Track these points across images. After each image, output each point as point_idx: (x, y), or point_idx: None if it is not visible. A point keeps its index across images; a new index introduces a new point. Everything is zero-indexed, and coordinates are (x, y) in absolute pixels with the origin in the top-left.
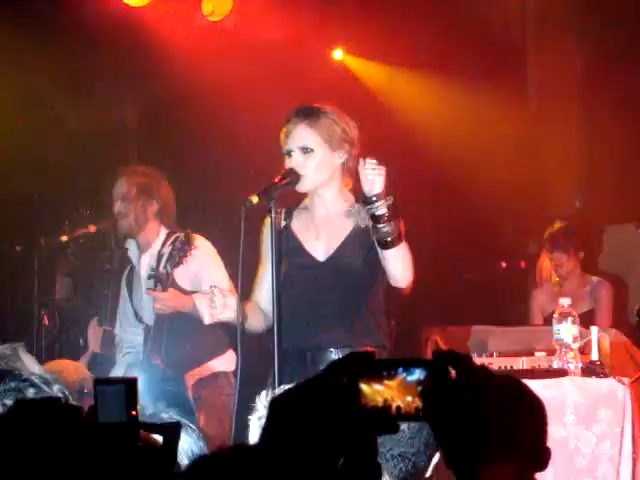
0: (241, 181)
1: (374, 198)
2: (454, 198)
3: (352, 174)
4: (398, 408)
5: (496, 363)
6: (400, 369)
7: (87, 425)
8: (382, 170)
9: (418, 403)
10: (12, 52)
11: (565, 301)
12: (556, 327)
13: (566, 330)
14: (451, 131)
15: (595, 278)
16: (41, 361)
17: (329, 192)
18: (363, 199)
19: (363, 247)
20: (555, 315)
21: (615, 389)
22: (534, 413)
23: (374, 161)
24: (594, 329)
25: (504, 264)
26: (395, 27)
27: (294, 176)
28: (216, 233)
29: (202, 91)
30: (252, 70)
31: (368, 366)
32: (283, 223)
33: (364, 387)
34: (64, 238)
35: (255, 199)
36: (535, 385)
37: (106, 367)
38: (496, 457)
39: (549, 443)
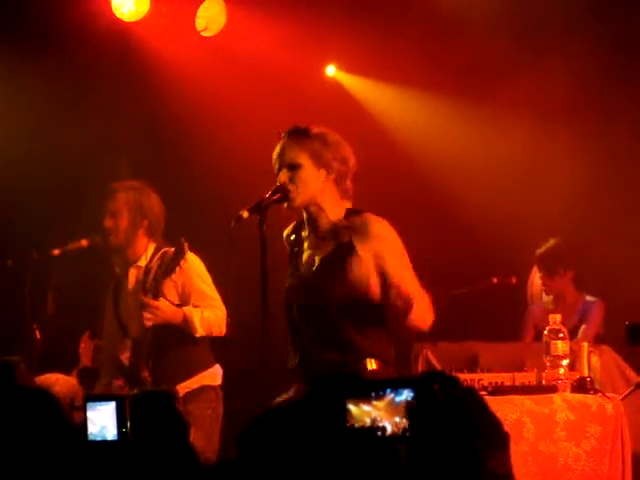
0: (234, 196)
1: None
2: (445, 214)
3: (347, 194)
4: (385, 428)
5: (486, 379)
6: (388, 390)
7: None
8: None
9: (405, 423)
10: (5, 67)
11: (556, 317)
12: (546, 343)
13: (556, 346)
14: (442, 148)
15: (590, 298)
16: (33, 375)
17: (317, 210)
18: None
19: (343, 262)
20: (545, 331)
21: (605, 405)
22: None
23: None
24: (584, 345)
25: (495, 280)
26: (388, 44)
27: (284, 192)
28: (207, 247)
29: (195, 106)
30: (245, 86)
31: (356, 387)
32: (293, 237)
33: (352, 407)
34: (56, 252)
35: (245, 214)
36: (525, 401)
37: (97, 381)
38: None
39: (539, 459)
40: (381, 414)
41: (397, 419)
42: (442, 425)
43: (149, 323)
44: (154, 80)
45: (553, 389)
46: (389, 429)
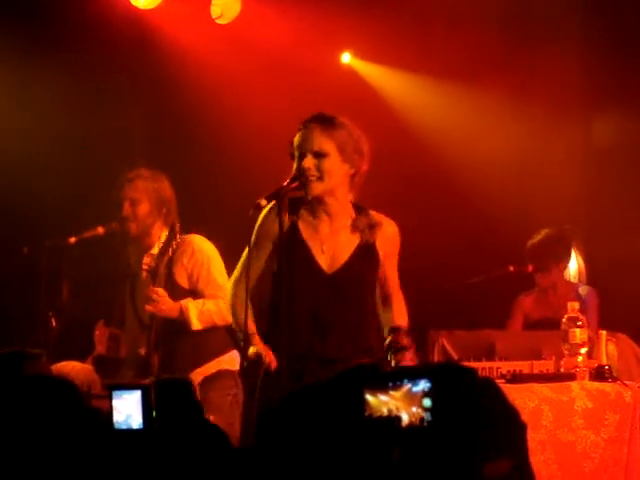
0: (249, 183)
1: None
2: (462, 202)
3: (357, 189)
4: (401, 419)
5: (504, 367)
6: (405, 380)
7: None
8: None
9: (422, 413)
10: (21, 57)
11: (574, 305)
12: (565, 331)
13: (574, 334)
14: (458, 135)
15: (582, 287)
16: (48, 363)
17: (334, 202)
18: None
19: (369, 263)
20: (564, 319)
21: (623, 393)
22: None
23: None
24: (602, 333)
25: (511, 268)
26: (403, 30)
27: (303, 180)
28: (222, 235)
29: (209, 94)
30: (260, 73)
31: (374, 377)
32: (290, 218)
33: (369, 397)
34: (72, 240)
35: (264, 202)
36: (543, 389)
37: (113, 368)
38: (494, 455)
39: (556, 447)
40: (398, 404)
41: (414, 409)
42: (458, 416)
43: (150, 312)
44: (169, 68)
45: (571, 377)
46: (406, 419)
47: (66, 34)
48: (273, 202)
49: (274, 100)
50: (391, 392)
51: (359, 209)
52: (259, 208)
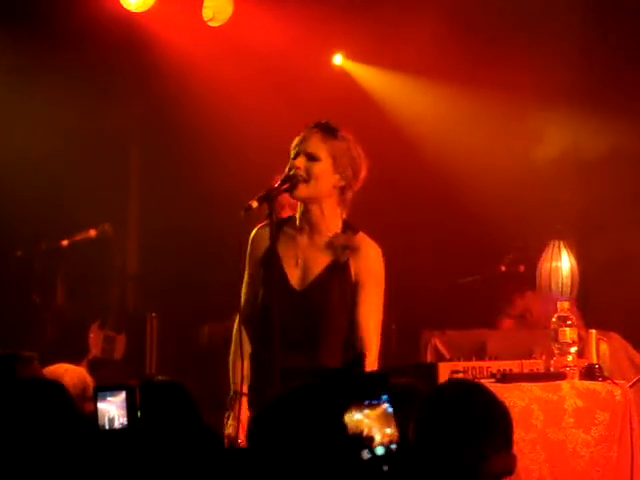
0: (241, 184)
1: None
2: (453, 202)
3: (346, 206)
4: (375, 440)
5: (495, 366)
6: (383, 398)
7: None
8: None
9: (396, 435)
10: (12, 58)
11: (564, 305)
12: (555, 330)
13: (564, 333)
14: (450, 136)
15: (557, 296)
16: (42, 365)
17: (318, 213)
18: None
19: (339, 282)
20: (554, 319)
21: (614, 392)
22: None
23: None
24: (593, 332)
25: (503, 268)
26: (395, 32)
27: (292, 181)
28: (214, 234)
29: (202, 96)
30: (251, 75)
31: (353, 391)
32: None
33: (346, 418)
34: (64, 242)
35: (255, 204)
36: (534, 388)
37: (107, 371)
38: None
39: (547, 446)
40: (374, 424)
41: (388, 430)
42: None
43: None
44: (162, 70)
45: (562, 376)
46: (377, 439)
47: (61, 36)
48: (262, 224)
49: (266, 101)
50: (367, 411)
51: (347, 227)
52: (250, 209)
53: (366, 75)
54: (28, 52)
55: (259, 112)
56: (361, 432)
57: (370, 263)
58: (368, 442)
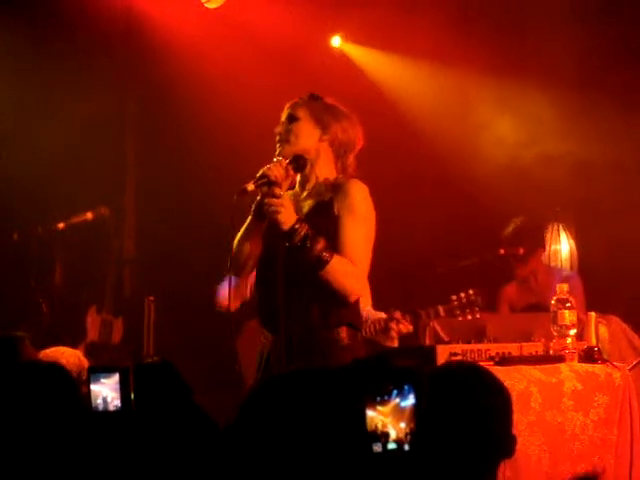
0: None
1: (286, 233)
2: (451, 185)
3: (345, 168)
4: (390, 435)
5: (493, 349)
6: (394, 393)
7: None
8: (277, 205)
9: (410, 428)
10: (7, 43)
11: (563, 287)
12: (554, 313)
13: (564, 316)
14: (450, 120)
15: (564, 272)
16: (39, 348)
17: (309, 168)
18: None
19: (323, 220)
20: (553, 301)
21: (613, 375)
22: (502, 404)
23: (266, 200)
24: (592, 315)
25: (502, 251)
26: (394, 14)
27: (278, 145)
28: (212, 216)
29: (200, 78)
30: (249, 57)
31: (366, 388)
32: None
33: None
34: (61, 225)
35: (250, 187)
36: (532, 371)
37: (105, 354)
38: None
39: (546, 428)
40: (387, 420)
41: (402, 424)
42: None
43: None
44: (158, 53)
45: (561, 359)
46: (393, 435)
47: (57, 20)
48: None
49: (263, 84)
50: (379, 407)
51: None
52: (245, 193)
53: (364, 57)
54: (24, 37)
55: (256, 95)
56: (376, 429)
57: (351, 198)
58: (384, 438)
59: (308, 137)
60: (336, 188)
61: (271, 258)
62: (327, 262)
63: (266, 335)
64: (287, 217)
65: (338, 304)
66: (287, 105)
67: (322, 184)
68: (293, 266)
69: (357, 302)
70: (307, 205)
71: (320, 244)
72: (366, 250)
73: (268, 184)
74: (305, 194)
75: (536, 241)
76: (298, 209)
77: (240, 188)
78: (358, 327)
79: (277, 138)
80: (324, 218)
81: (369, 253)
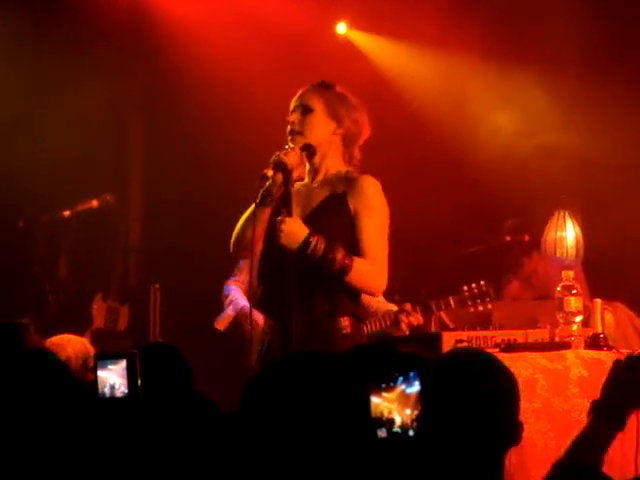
0: (244, 153)
1: (302, 249)
2: (457, 172)
3: (352, 160)
4: (396, 422)
5: (499, 336)
6: (399, 379)
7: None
8: (283, 225)
9: (416, 414)
10: (10, 27)
11: (569, 274)
12: (560, 300)
13: (569, 303)
14: (454, 105)
15: (565, 260)
16: (45, 336)
17: (320, 160)
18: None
19: (336, 212)
20: (559, 288)
21: None
22: (509, 390)
23: (279, 218)
24: (598, 302)
25: (508, 238)
26: (399, 1)
27: (291, 136)
28: (219, 204)
29: (204, 64)
30: (255, 44)
31: (371, 374)
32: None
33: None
34: (66, 213)
35: (270, 172)
36: (538, 358)
37: (111, 342)
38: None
39: (551, 416)
40: (392, 406)
41: (408, 411)
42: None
43: None
44: (163, 38)
45: (566, 346)
46: (398, 421)
47: (61, 5)
48: None
49: (269, 70)
50: (384, 394)
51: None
52: (265, 178)
53: (370, 44)
54: (27, 24)
55: (262, 81)
56: (381, 415)
57: (366, 195)
58: (389, 425)
59: (323, 130)
60: (349, 183)
61: (276, 252)
62: (350, 269)
63: (267, 323)
64: (289, 240)
65: (342, 295)
66: (299, 93)
67: (334, 176)
68: (299, 261)
69: (360, 294)
70: (319, 197)
71: (340, 253)
72: (383, 246)
73: (284, 170)
74: (316, 186)
75: (528, 243)
76: (309, 201)
77: (260, 174)
78: (361, 318)
79: (289, 128)
80: (338, 212)
81: (386, 248)
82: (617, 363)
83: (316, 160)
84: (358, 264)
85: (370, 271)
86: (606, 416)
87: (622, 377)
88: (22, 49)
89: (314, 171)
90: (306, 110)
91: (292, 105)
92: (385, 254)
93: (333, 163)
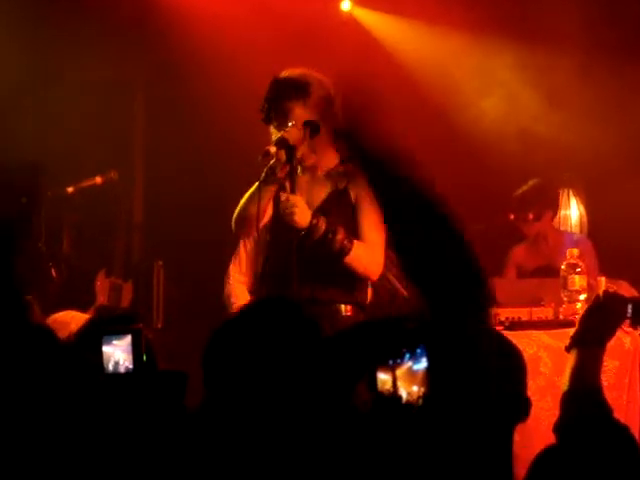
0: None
1: (305, 230)
2: (460, 150)
3: (334, 120)
4: (403, 398)
5: (503, 314)
6: (407, 356)
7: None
8: (295, 202)
9: (423, 391)
10: (17, 9)
11: (573, 252)
12: (564, 278)
13: (573, 281)
14: (459, 83)
15: (575, 235)
16: (49, 313)
17: (313, 155)
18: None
19: (340, 208)
20: (563, 266)
21: (622, 340)
22: (516, 366)
23: (283, 197)
24: (602, 280)
25: (512, 216)
26: None
27: (314, 126)
28: (227, 184)
29: (208, 46)
30: (259, 23)
31: (377, 349)
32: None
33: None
34: (70, 190)
35: (273, 149)
36: (542, 336)
37: None
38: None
39: (555, 393)
40: (400, 383)
41: (415, 388)
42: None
43: None
44: (168, 21)
45: (570, 324)
46: (404, 397)
47: None
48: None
49: (272, 48)
50: (392, 370)
51: (344, 160)
52: (268, 155)
53: (374, 21)
54: (30, 3)
55: (266, 59)
56: (388, 391)
57: (366, 183)
58: (395, 401)
59: (321, 138)
60: (350, 176)
61: (282, 231)
62: (350, 250)
63: None
64: (303, 217)
65: (345, 282)
66: (287, 104)
67: (334, 170)
68: (306, 250)
69: (366, 281)
70: (322, 192)
71: (340, 234)
72: (381, 232)
73: (287, 147)
74: (318, 179)
75: (546, 203)
76: (311, 195)
77: (263, 150)
78: (364, 304)
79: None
80: (342, 206)
81: (383, 234)
82: (596, 298)
83: (309, 153)
84: (357, 246)
85: (368, 254)
86: (587, 343)
87: (599, 308)
88: (25, 26)
89: (313, 166)
90: (312, 129)
91: (281, 115)
92: (382, 240)
93: (327, 154)
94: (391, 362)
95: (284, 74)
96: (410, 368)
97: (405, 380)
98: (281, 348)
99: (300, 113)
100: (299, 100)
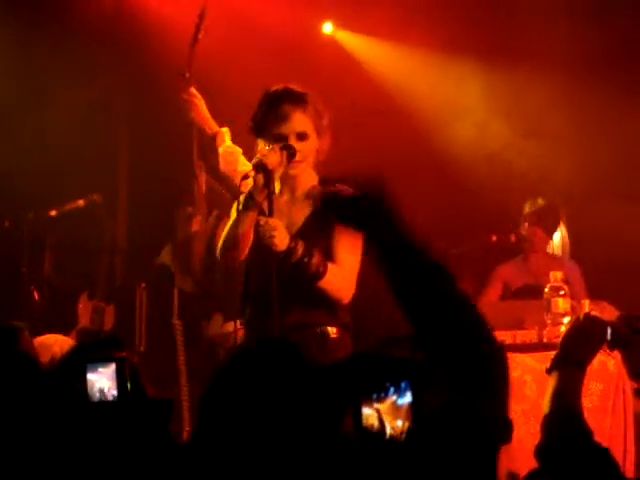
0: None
1: (283, 253)
2: (443, 171)
3: (321, 160)
4: (387, 433)
5: None
6: (391, 390)
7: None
8: (274, 226)
9: (407, 426)
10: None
11: (557, 275)
12: (547, 301)
13: (557, 304)
14: (440, 104)
15: (564, 257)
16: (31, 336)
17: (299, 175)
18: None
19: (320, 230)
20: (546, 289)
21: (606, 363)
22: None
23: (262, 221)
24: (585, 302)
25: (494, 238)
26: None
27: (292, 159)
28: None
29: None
30: (240, 43)
31: (362, 385)
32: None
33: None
34: (53, 212)
35: (252, 173)
36: (526, 359)
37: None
38: None
39: (540, 416)
40: (384, 417)
41: (399, 422)
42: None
43: None
44: (149, 39)
45: (554, 347)
46: (388, 432)
47: (48, 8)
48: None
49: (255, 70)
50: (376, 405)
51: (323, 181)
52: (246, 178)
53: (356, 43)
54: (14, 22)
55: (248, 81)
56: (372, 426)
57: None
58: (379, 437)
59: (314, 152)
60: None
61: (262, 255)
62: (323, 274)
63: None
64: (281, 240)
65: (329, 304)
66: (283, 109)
67: (313, 191)
68: (285, 272)
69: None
70: (301, 214)
71: (316, 258)
72: (356, 255)
73: (265, 171)
74: (297, 201)
75: (552, 225)
76: (291, 217)
77: (242, 174)
78: (348, 325)
79: (292, 151)
80: (320, 228)
81: (358, 257)
82: (576, 320)
83: (296, 174)
84: (330, 271)
85: (341, 278)
86: (567, 366)
87: (579, 331)
88: (8, 48)
89: (289, 185)
90: (302, 137)
91: (280, 124)
92: (357, 263)
93: (308, 174)
94: (375, 396)
95: (279, 85)
96: (394, 402)
97: (389, 414)
98: (273, 389)
99: (299, 118)
100: (299, 106)
